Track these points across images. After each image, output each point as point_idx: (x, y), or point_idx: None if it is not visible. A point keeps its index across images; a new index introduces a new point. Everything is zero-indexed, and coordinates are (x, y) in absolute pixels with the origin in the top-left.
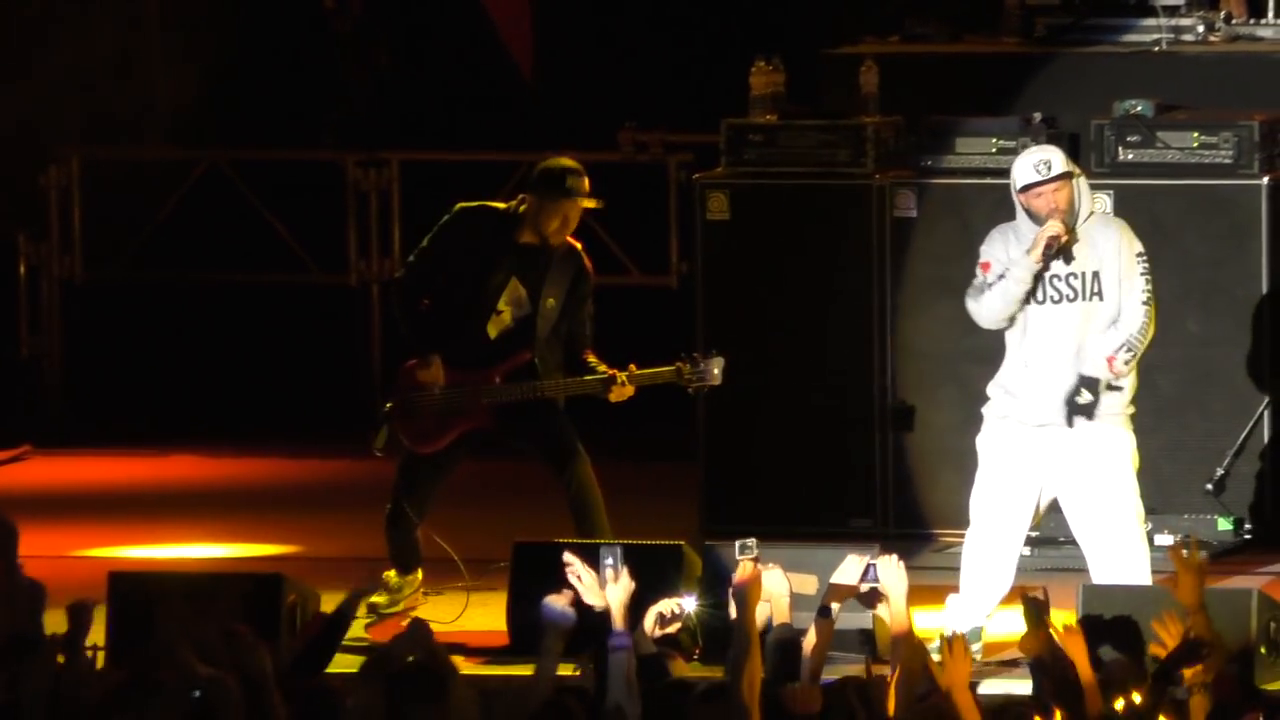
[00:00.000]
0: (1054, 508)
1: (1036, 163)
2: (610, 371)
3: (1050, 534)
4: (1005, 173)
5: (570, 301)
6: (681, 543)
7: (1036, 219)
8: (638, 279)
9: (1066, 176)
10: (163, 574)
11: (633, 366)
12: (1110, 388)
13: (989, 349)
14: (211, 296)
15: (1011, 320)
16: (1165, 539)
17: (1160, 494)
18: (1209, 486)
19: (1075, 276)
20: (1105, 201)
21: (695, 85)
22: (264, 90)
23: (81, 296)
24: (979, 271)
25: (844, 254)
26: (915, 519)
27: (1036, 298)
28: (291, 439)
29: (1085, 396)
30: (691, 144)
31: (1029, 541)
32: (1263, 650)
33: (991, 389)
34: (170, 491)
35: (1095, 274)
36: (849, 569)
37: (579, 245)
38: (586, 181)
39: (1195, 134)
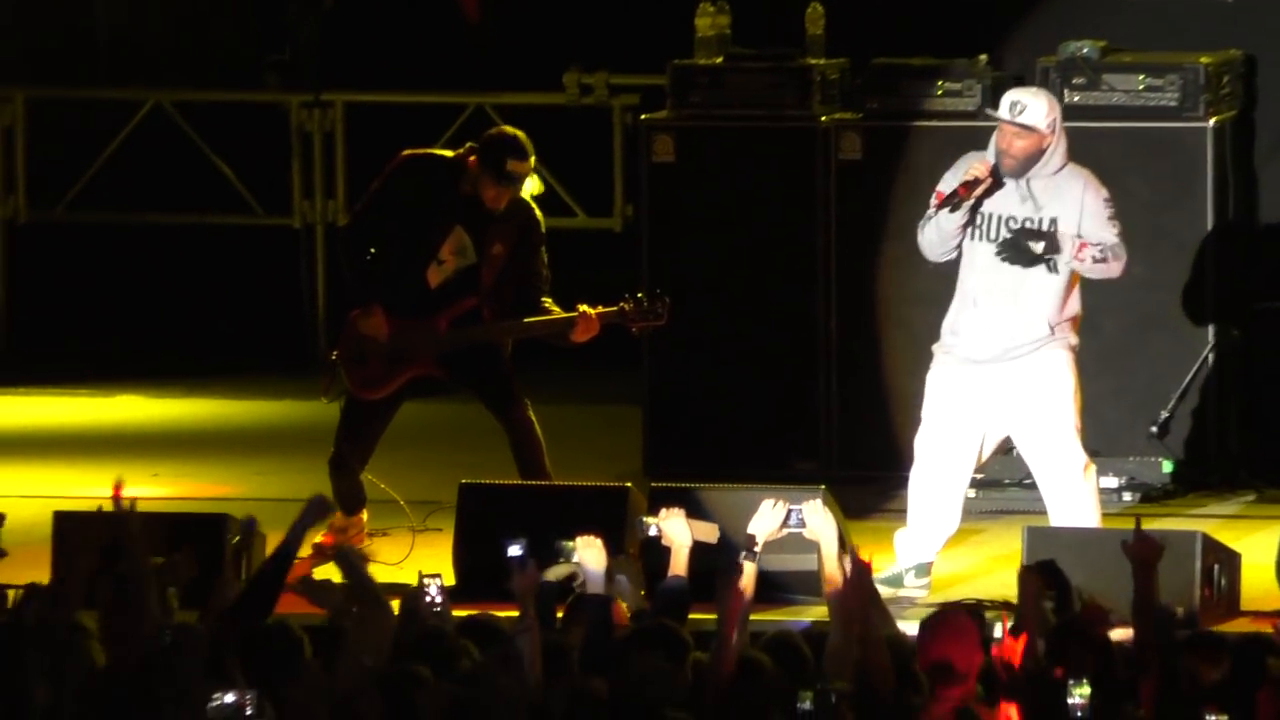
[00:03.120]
0: (1003, 449)
1: (1014, 101)
2: (575, 312)
3: (995, 476)
4: (951, 115)
5: (521, 251)
6: (629, 485)
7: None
8: (582, 221)
9: (1032, 131)
10: (108, 515)
11: (584, 308)
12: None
13: (934, 291)
14: (155, 237)
15: (953, 253)
16: (1110, 481)
17: (1104, 438)
18: (1153, 430)
19: (1031, 221)
20: None
21: (641, 27)
22: (209, 30)
23: (25, 236)
24: (933, 201)
25: (790, 197)
26: (860, 461)
27: (990, 236)
28: (235, 380)
29: (1038, 243)
30: (637, 86)
31: (974, 484)
32: (1207, 593)
33: (943, 327)
34: (114, 432)
35: (1054, 220)
36: (767, 515)
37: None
38: (530, 161)
39: (1141, 76)
